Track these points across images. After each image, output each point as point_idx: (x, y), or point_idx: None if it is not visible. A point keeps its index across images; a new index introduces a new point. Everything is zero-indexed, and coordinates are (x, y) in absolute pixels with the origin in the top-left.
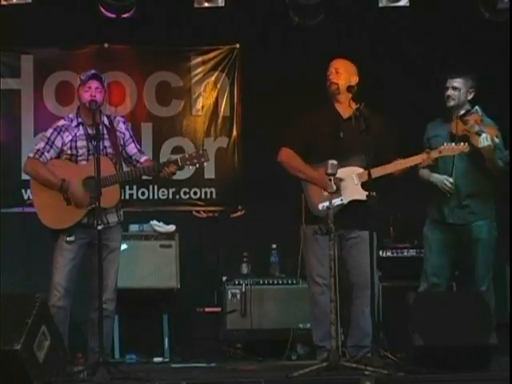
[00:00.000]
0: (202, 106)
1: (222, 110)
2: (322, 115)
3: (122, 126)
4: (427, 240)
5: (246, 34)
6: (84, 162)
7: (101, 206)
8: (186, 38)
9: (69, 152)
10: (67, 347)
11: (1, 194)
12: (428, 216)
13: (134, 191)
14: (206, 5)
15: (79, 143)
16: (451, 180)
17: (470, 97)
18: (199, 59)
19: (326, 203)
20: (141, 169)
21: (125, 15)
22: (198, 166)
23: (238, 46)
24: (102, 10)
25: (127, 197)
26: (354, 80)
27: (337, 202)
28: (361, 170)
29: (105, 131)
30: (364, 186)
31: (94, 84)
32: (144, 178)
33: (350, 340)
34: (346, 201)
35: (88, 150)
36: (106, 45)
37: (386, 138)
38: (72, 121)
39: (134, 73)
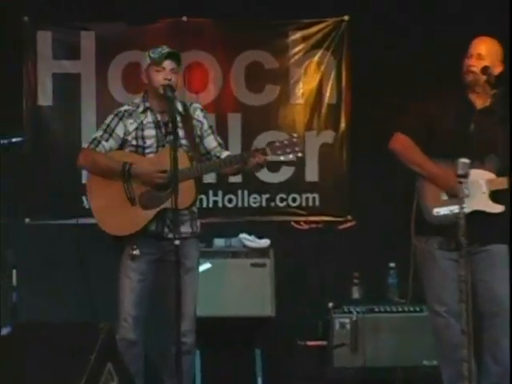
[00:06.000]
0: (303, 93)
1: (327, 97)
2: (449, 103)
3: (199, 114)
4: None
5: (357, 3)
6: (152, 155)
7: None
8: (283, 8)
9: (134, 142)
10: None
11: (56, 202)
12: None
13: (220, 198)
14: None
15: (146, 132)
16: None
17: None
18: (299, 35)
19: (444, 210)
20: (221, 161)
21: None
22: (291, 156)
23: (346, 17)
24: None
25: (210, 205)
26: (498, 69)
27: (455, 209)
28: (492, 176)
29: (179, 119)
30: (494, 195)
31: (169, 65)
32: (231, 180)
33: (484, 378)
34: (467, 210)
35: (157, 141)
36: (184, 18)
37: None
38: (138, 106)
39: (219, 52)
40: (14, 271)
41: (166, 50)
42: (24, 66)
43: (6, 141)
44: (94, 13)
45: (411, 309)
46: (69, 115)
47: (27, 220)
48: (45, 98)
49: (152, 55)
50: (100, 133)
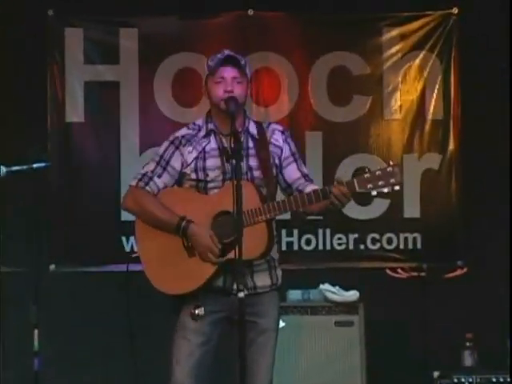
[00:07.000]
0: (400, 106)
1: (432, 111)
2: None
3: (278, 138)
4: None
5: None
6: (216, 190)
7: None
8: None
9: (193, 176)
10: None
11: (88, 244)
12: None
13: (295, 239)
14: None
15: (209, 162)
16: None
17: None
18: (395, 32)
19: None
20: (298, 198)
21: None
22: (386, 190)
23: (455, 10)
24: None
25: (284, 247)
26: None
27: None
28: None
29: (251, 144)
30: None
31: (228, 72)
32: (310, 217)
33: None
34: None
35: (223, 173)
36: (250, 11)
37: None
38: (200, 129)
39: (294, 54)
40: (36, 332)
41: (224, 53)
42: (48, 72)
43: (25, 167)
44: (137, 5)
45: None
46: (105, 134)
47: (52, 267)
48: (75, 113)
49: (210, 63)
50: (152, 166)
